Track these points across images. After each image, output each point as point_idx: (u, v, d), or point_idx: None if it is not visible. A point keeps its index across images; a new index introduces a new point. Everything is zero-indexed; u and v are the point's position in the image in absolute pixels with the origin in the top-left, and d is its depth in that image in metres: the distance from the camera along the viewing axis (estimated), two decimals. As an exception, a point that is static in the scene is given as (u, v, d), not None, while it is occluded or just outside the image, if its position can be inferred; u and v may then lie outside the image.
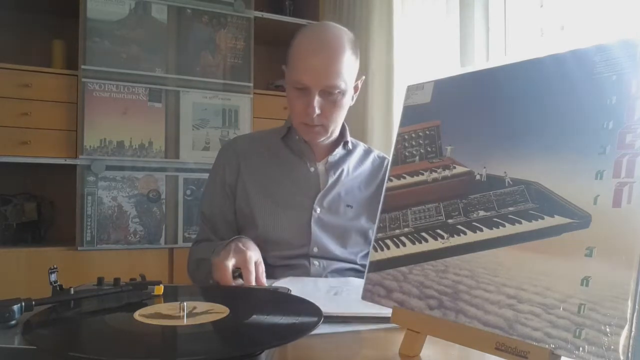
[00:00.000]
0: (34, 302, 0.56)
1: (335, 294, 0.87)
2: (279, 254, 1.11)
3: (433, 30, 1.87)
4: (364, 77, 1.19)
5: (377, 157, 1.30)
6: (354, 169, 1.23)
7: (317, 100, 1.07)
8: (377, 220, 0.65)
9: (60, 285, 0.62)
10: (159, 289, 0.65)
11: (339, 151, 1.21)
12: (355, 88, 1.17)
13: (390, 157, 1.29)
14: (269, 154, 1.20)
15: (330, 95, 1.08)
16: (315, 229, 1.12)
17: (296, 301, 0.69)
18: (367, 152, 1.29)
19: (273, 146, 1.22)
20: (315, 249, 1.12)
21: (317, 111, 1.07)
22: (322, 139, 1.16)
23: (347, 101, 1.13)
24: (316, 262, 1.11)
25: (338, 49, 1.06)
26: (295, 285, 0.86)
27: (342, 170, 1.20)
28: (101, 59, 2.14)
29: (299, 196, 1.15)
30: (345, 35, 1.11)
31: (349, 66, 1.08)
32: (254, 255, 0.93)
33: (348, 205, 1.17)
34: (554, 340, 0.44)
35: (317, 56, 1.05)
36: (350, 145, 1.24)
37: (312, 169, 1.18)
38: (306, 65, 1.06)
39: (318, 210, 1.14)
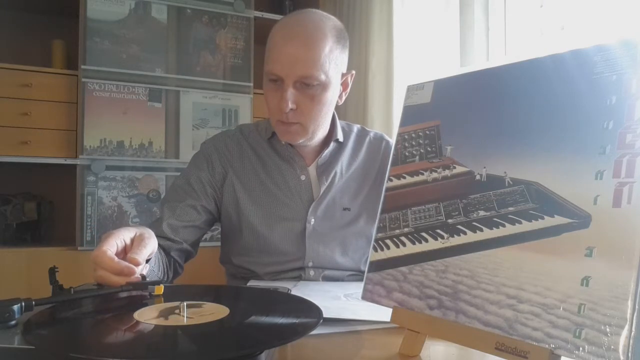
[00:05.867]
0: (34, 302, 0.56)
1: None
2: (272, 269, 1.06)
3: (433, 30, 1.87)
4: (354, 72, 1.06)
5: (373, 138, 1.18)
6: (348, 165, 1.12)
7: (290, 92, 0.94)
8: (377, 220, 0.65)
9: (61, 285, 0.62)
10: (159, 289, 0.65)
11: (329, 150, 1.10)
12: (345, 85, 1.04)
13: (390, 140, 1.18)
14: (256, 159, 1.10)
15: (308, 89, 0.95)
16: (310, 243, 1.05)
17: (296, 301, 0.69)
18: (361, 137, 1.17)
19: (259, 149, 1.11)
20: (311, 263, 1.05)
21: (291, 105, 0.95)
22: (302, 140, 1.02)
23: (330, 97, 1.00)
24: (312, 272, 1.06)
25: (315, 35, 0.94)
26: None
27: (335, 173, 1.10)
28: (101, 59, 2.14)
29: (291, 207, 1.07)
30: (328, 22, 0.98)
31: (331, 56, 0.95)
32: (110, 241, 0.70)
33: (345, 209, 1.09)
34: (554, 340, 0.44)
35: (291, 43, 0.93)
36: (342, 139, 1.12)
37: (302, 177, 1.08)
38: (279, 53, 0.93)
39: (312, 221, 1.06)
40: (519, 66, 0.56)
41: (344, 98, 1.07)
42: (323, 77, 0.95)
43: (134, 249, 0.72)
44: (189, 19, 2.30)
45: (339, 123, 1.14)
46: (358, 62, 2.16)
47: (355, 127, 1.19)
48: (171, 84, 2.26)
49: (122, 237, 0.73)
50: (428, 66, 1.88)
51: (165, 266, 0.99)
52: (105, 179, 2.14)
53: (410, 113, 0.67)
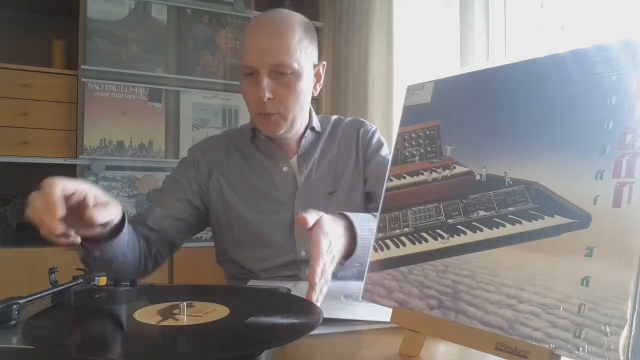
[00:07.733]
0: (25, 300, 0.56)
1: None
2: (267, 264, 1.06)
3: (433, 30, 1.87)
4: (325, 63, 1.11)
5: (348, 122, 1.22)
6: (326, 150, 1.16)
7: (266, 82, 0.98)
8: (377, 220, 0.65)
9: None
10: (103, 280, 0.67)
11: (307, 138, 1.14)
12: (318, 76, 1.09)
13: (370, 127, 1.22)
14: (242, 158, 1.13)
15: (283, 77, 0.99)
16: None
17: (296, 301, 0.69)
18: (337, 124, 1.21)
19: (244, 149, 1.14)
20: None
21: (268, 94, 0.98)
22: (282, 131, 1.05)
23: (305, 87, 1.04)
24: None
25: (284, 26, 0.99)
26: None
27: (315, 159, 1.13)
28: (101, 59, 2.14)
29: (278, 198, 1.09)
30: (295, 16, 1.05)
31: (300, 46, 1.00)
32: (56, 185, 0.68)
33: (330, 193, 1.11)
34: (554, 340, 0.44)
35: (261, 34, 0.99)
36: (318, 127, 1.16)
37: (285, 169, 1.11)
38: (252, 45, 0.99)
39: (299, 209, 1.06)
40: (519, 66, 0.56)
41: (318, 89, 1.11)
42: (295, 65, 0.99)
43: (97, 207, 0.74)
44: (189, 19, 2.30)
45: (314, 115, 1.18)
46: (358, 62, 2.16)
47: (332, 117, 1.24)
48: (171, 84, 2.26)
49: (83, 187, 0.73)
50: (428, 66, 1.88)
51: (144, 254, 0.99)
52: (105, 179, 2.14)
53: (410, 113, 0.67)
